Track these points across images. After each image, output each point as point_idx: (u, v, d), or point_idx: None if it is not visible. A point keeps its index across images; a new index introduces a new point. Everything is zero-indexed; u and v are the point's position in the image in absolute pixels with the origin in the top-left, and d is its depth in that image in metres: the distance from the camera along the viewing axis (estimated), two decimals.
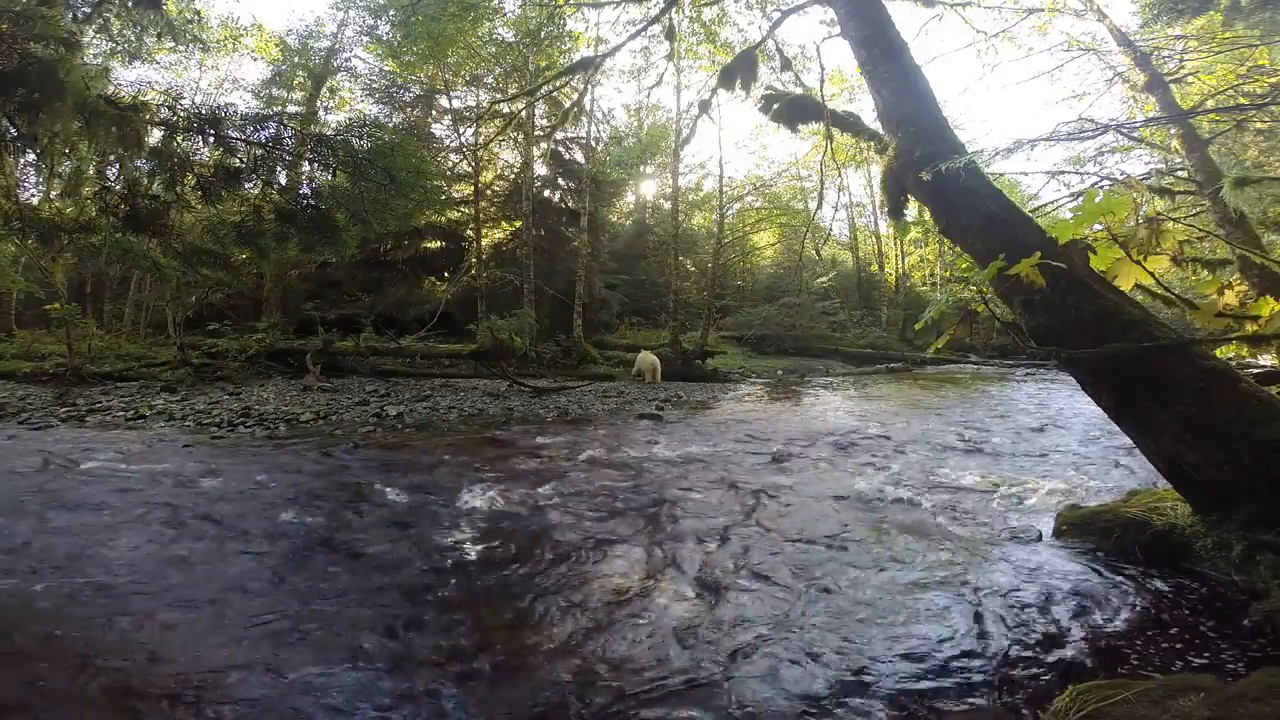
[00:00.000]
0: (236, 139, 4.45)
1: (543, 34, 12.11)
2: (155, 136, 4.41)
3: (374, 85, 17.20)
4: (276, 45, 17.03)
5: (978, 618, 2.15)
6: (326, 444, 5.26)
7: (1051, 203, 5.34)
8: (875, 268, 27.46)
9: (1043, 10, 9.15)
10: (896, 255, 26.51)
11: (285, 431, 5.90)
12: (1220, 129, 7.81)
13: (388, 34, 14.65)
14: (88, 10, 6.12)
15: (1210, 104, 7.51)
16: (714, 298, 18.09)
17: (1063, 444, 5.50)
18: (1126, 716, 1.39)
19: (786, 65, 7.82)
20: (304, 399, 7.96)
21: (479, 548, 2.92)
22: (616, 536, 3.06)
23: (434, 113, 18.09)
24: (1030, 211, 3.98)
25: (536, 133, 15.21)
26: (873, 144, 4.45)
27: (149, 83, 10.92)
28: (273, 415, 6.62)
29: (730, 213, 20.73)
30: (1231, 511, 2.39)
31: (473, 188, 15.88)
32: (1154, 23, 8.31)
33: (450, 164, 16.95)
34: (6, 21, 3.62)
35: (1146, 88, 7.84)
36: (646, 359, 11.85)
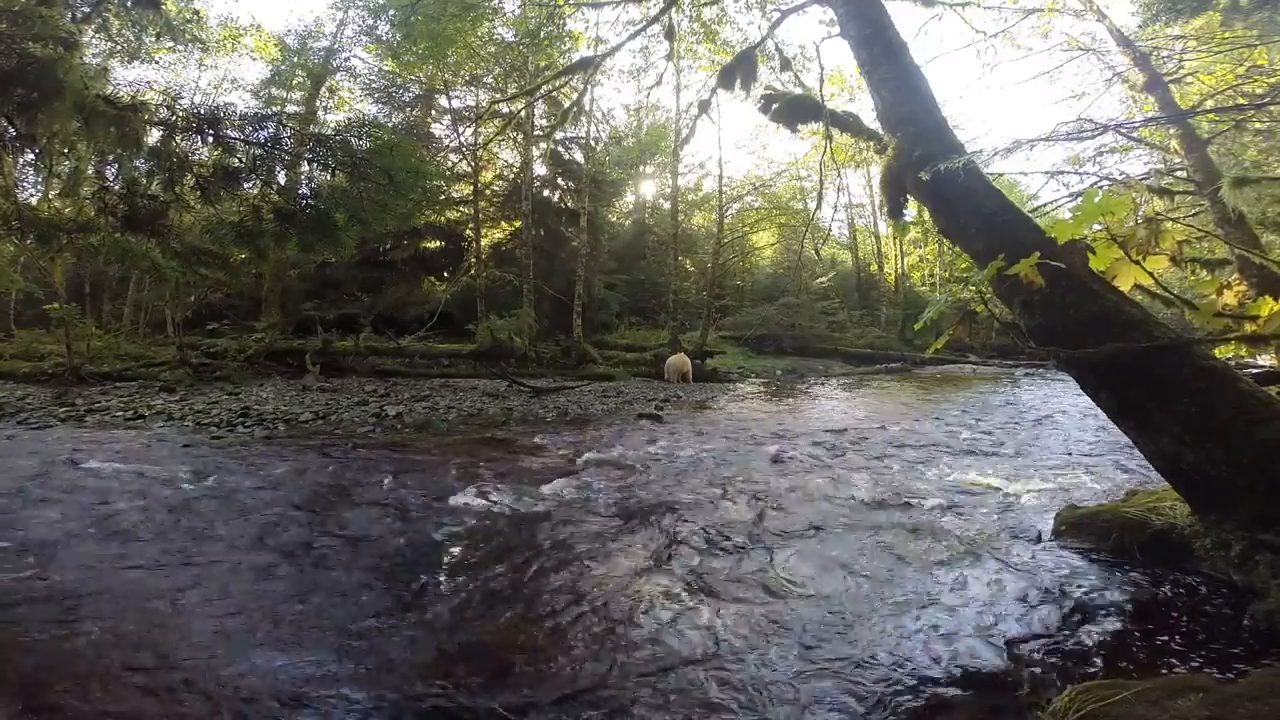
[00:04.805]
0: (235, 139, 4.46)
1: (542, 34, 12.09)
2: (154, 136, 4.42)
3: (373, 85, 17.19)
4: (276, 45, 17.01)
5: (976, 617, 2.15)
6: (326, 444, 5.25)
7: (1051, 203, 5.33)
8: (875, 268, 27.47)
9: (1042, 10, 9.16)
10: (896, 255, 26.54)
11: (284, 431, 5.90)
12: (1219, 129, 7.81)
13: (387, 34, 14.64)
14: (87, 10, 6.12)
15: (1209, 104, 7.51)
16: (714, 298, 18.10)
17: (1062, 444, 5.50)
18: (1125, 716, 1.39)
19: (786, 65, 7.83)
20: (303, 399, 7.95)
21: (477, 547, 2.92)
22: (616, 537, 3.06)
23: (433, 113, 18.10)
24: (1030, 211, 3.98)
25: (536, 133, 15.20)
26: (872, 144, 4.45)
27: (148, 82, 10.93)
28: (272, 415, 6.62)
29: (730, 213, 20.74)
30: (1231, 511, 2.39)
31: (472, 188, 15.88)
32: (1153, 23, 8.30)
33: (450, 164, 16.93)
34: (6, 21, 3.62)
35: (1146, 88, 7.85)
36: (671, 359, 12.34)
